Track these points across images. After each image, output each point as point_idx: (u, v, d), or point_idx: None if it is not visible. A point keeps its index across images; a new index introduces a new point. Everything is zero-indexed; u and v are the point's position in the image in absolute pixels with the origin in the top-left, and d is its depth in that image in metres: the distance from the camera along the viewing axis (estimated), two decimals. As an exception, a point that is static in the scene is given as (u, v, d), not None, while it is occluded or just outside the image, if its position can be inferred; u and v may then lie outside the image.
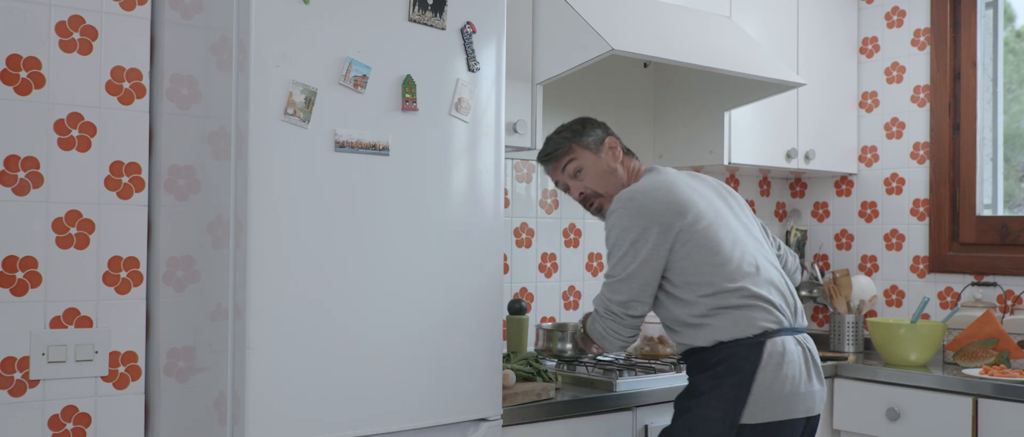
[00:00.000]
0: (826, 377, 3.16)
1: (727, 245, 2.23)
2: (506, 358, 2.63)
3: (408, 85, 2.09)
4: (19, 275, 1.92)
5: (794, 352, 2.21)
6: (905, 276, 3.59)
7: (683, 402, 2.25)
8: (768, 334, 2.18)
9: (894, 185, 3.63)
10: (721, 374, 2.17)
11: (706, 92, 3.18)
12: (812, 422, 2.31)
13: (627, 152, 2.46)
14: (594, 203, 2.43)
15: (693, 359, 2.26)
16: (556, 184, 2.50)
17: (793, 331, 2.25)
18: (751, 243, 2.31)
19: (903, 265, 3.60)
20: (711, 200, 2.32)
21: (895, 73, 3.64)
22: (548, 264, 3.21)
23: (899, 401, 2.98)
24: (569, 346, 2.86)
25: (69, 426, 1.97)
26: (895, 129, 3.63)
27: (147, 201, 2.08)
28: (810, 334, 3.76)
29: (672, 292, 2.24)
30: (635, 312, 2.25)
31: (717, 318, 2.19)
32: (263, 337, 1.89)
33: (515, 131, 2.68)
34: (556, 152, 2.43)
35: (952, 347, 3.14)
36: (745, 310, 2.19)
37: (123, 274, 2.03)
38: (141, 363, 2.06)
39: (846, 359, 3.28)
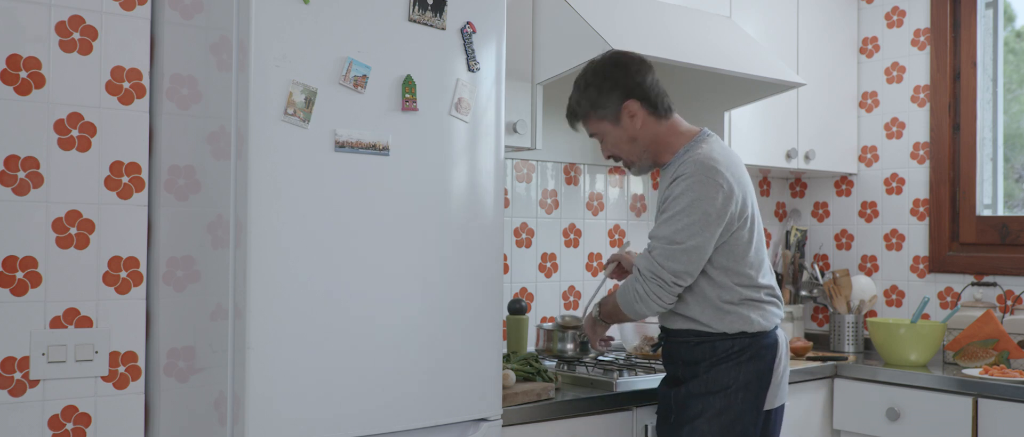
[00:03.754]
0: (826, 377, 3.16)
1: (760, 234, 2.32)
2: (506, 358, 2.64)
3: (408, 85, 2.09)
4: (19, 275, 1.92)
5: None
6: (905, 276, 3.59)
7: (703, 399, 2.24)
8: (778, 327, 2.34)
9: (894, 185, 3.63)
10: (743, 363, 2.23)
11: (706, 92, 3.18)
12: None
13: (655, 112, 2.29)
14: (621, 161, 2.40)
15: (703, 347, 2.26)
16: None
17: None
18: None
19: (903, 265, 3.60)
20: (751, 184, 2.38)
21: (895, 73, 3.64)
22: (548, 264, 3.21)
23: (899, 401, 2.98)
24: (569, 346, 2.86)
25: (69, 426, 1.97)
26: (895, 129, 3.63)
27: (147, 201, 2.08)
28: (810, 334, 3.79)
29: (709, 272, 2.23)
30: (684, 283, 2.20)
31: (745, 308, 2.25)
32: (263, 337, 1.89)
33: (515, 131, 2.68)
34: (574, 118, 2.38)
35: (952, 347, 3.14)
36: (769, 306, 2.30)
37: (123, 274, 2.03)
38: (141, 363, 2.06)
39: (846, 359, 3.28)
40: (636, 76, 2.28)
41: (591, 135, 2.41)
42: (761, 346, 2.26)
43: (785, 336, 2.37)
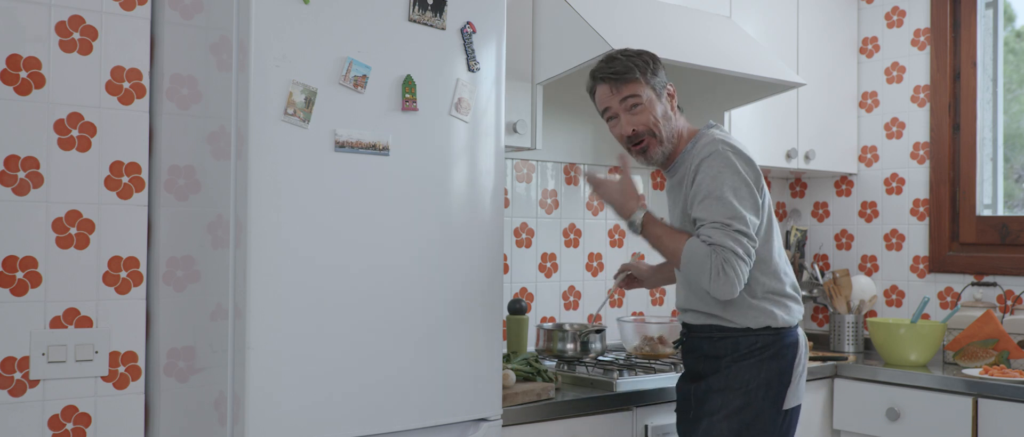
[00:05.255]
0: (826, 377, 3.16)
1: (776, 226, 2.29)
2: (506, 358, 2.64)
3: (408, 85, 2.09)
4: (19, 275, 1.92)
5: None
6: (905, 276, 3.59)
7: (723, 395, 2.20)
8: (799, 323, 2.31)
9: (894, 185, 3.63)
10: (766, 361, 2.21)
11: (706, 92, 3.18)
12: None
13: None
14: (643, 142, 2.25)
15: (726, 342, 2.22)
16: (602, 111, 2.30)
17: None
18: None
19: (903, 265, 3.60)
20: None
21: (895, 73, 3.64)
22: (548, 264, 3.21)
23: (899, 401, 2.98)
24: (569, 346, 2.86)
25: (69, 426, 1.97)
26: (895, 129, 3.63)
27: (147, 201, 2.08)
28: (810, 334, 3.79)
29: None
30: (753, 258, 2.13)
31: (769, 303, 2.23)
32: (263, 337, 1.89)
33: (515, 131, 2.68)
34: (624, 75, 2.21)
35: (952, 347, 3.14)
36: (791, 302, 2.28)
37: (123, 274, 2.03)
38: (141, 363, 2.06)
39: (846, 359, 3.28)
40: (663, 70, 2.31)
41: (626, 101, 2.22)
42: (784, 344, 2.23)
43: (804, 335, 2.35)
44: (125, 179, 2.04)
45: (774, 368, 2.22)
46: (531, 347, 2.99)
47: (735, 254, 2.06)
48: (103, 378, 2.01)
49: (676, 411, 2.38)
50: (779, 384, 2.22)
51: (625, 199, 2.24)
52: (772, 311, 2.22)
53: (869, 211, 3.71)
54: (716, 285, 2.08)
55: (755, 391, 2.20)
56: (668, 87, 2.29)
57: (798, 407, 2.32)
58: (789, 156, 3.41)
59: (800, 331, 2.31)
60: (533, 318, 3.14)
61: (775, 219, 2.29)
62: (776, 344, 2.23)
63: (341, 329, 1.99)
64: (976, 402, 2.81)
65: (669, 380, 2.64)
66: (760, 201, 2.18)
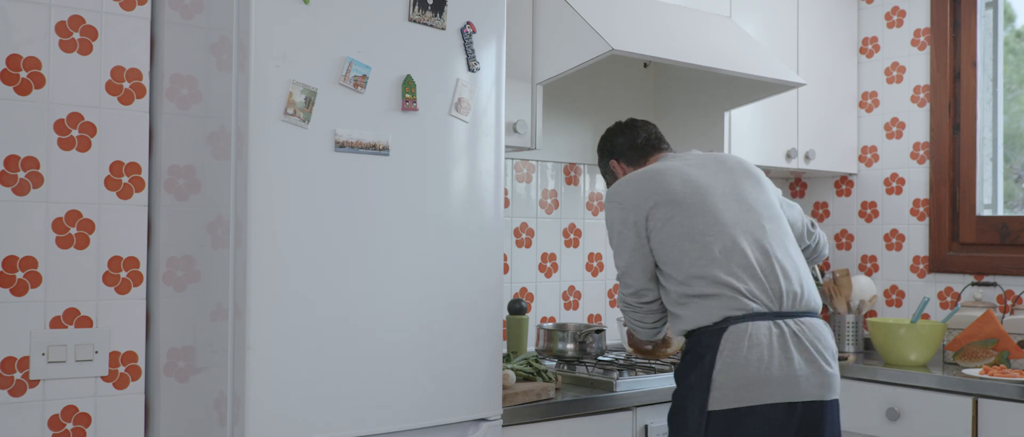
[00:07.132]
0: (826, 377, 3.15)
1: (700, 230, 2.22)
2: (506, 358, 2.64)
3: (408, 85, 2.09)
4: (19, 275, 1.92)
5: (763, 336, 2.13)
6: (905, 276, 3.59)
7: (672, 401, 2.30)
8: (729, 320, 2.14)
9: (894, 185, 3.63)
10: (689, 363, 2.22)
11: (706, 92, 3.18)
12: (810, 408, 2.17)
13: (632, 164, 2.55)
14: None
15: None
16: None
17: (773, 316, 2.16)
18: (737, 225, 2.23)
19: (903, 265, 3.60)
20: (701, 184, 2.28)
21: (895, 73, 3.64)
22: (548, 264, 3.20)
23: (899, 401, 2.98)
24: (569, 346, 2.86)
25: (69, 426, 1.97)
26: (895, 129, 3.63)
27: (147, 201, 2.08)
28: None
29: (660, 279, 2.32)
30: (647, 298, 2.33)
31: (682, 308, 2.24)
32: (263, 337, 1.89)
33: (515, 131, 2.68)
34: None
35: (952, 347, 3.14)
36: (709, 299, 2.17)
37: (123, 274, 2.03)
38: (141, 363, 2.06)
39: (846, 359, 3.28)
40: (613, 139, 2.61)
41: None
42: (701, 345, 2.17)
43: (753, 330, 2.12)
44: (125, 179, 2.04)
45: (694, 370, 2.18)
46: (531, 347, 2.99)
47: (628, 307, 2.38)
48: (103, 378, 2.01)
49: None
50: (699, 386, 2.14)
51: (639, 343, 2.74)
52: (683, 315, 2.23)
53: (869, 211, 3.71)
54: (637, 335, 2.47)
55: (682, 394, 2.22)
56: (611, 164, 2.61)
57: (749, 409, 2.11)
58: (789, 156, 3.41)
59: (734, 328, 2.12)
60: (533, 318, 3.14)
61: (694, 220, 2.22)
62: (697, 347, 2.19)
63: (341, 329, 1.99)
64: (976, 402, 2.81)
65: (669, 380, 2.64)
66: (630, 237, 2.29)
